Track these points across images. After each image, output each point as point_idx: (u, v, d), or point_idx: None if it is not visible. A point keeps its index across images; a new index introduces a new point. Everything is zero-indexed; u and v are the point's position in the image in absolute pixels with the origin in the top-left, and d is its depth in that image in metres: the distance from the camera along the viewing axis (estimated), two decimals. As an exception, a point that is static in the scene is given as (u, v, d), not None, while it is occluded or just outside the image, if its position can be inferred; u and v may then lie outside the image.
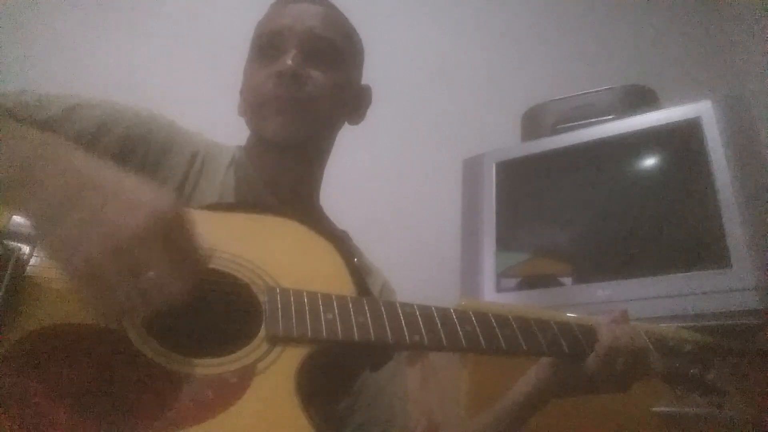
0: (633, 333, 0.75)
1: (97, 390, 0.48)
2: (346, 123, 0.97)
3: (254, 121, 0.87)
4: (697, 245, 1.27)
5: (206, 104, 1.62)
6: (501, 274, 1.45)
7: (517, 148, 1.63)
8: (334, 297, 0.62)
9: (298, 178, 0.91)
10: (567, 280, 1.41)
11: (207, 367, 0.53)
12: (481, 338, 0.65)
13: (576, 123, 1.57)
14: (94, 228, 0.47)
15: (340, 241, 0.71)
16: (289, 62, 0.82)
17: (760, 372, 1.08)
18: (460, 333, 0.65)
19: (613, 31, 2.28)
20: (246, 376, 0.53)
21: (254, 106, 0.86)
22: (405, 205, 1.99)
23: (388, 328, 0.61)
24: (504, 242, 1.49)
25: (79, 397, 0.47)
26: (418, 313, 0.64)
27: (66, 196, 0.49)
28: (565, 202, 1.51)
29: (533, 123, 1.70)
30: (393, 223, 1.94)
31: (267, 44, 0.88)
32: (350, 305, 0.62)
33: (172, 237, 0.49)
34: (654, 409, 1.09)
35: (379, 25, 2.14)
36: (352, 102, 0.95)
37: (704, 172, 1.27)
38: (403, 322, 0.62)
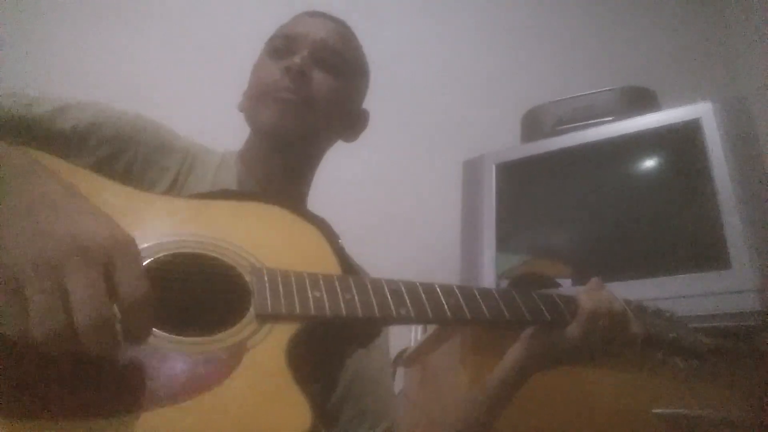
0: (611, 297, 0.79)
1: (90, 370, 0.48)
2: (339, 141, 1.00)
3: (253, 109, 0.89)
4: (696, 247, 1.27)
5: (204, 107, 1.62)
6: (501, 276, 1.45)
7: (517, 149, 1.63)
8: (320, 275, 0.63)
9: (290, 181, 0.93)
10: (566, 282, 1.41)
11: (197, 345, 0.54)
12: (465, 309, 0.68)
13: (576, 124, 1.57)
14: (33, 239, 0.46)
15: (323, 224, 0.73)
16: (298, 60, 0.86)
17: (759, 373, 1.09)
18: (445, 305, 0.67)
19: (613, 33, 2.28)
20: (237, 352, 0.54)
21: (256, 95, 0.89)
22: (405, 207, 2.00)
23: (374, 303, 0.63)
24: (504, 243, 1.49)
25: (73, 377, 0.48)
26: (403, 288, 0.66)
27: (18, 207, 0.48)
28: (565, 203, 1.51)
29: (533, 124, 1.70)
30: (393, 225, 1.95)
31: (280, 44, 0.91)
32: (336, 283, 0.63)
33: (113, 271, 0.47)
34: (655, 411, 1.09)
35: (380, 26, 2.15)
36: (349, 117, 0.98)
37: (704, 173, 1.27)
38: (389, 297, 0.64)
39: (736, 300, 1.13)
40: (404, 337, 1.65)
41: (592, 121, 1.55)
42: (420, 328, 1.63)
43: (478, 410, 0.82)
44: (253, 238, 0.67)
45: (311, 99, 0.87)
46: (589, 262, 1.42)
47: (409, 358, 1.60)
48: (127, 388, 0.48)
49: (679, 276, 1.21)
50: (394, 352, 1.56)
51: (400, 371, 1.63)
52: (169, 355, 0.52)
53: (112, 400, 0.47)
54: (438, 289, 0.68)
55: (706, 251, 1.23)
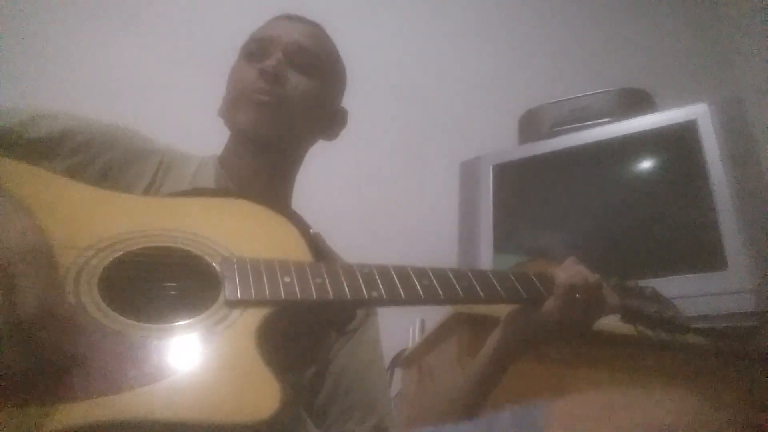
0: (586, 271, 0.79)
1: (59, 356, 0.49)
2: (326, 140, 1.01)
3: (231, 113, 0.91)
4: (693, 247, 1.27)
5: (193, 111, 1.62)
6: (498, 277, 1.45)
7: (514, 150, 1.63)
8: (291, 262, 0.64)
9: (271, 183, 0.94)
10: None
11: (166, 331, 0.55)
12: (439, 290, 0.68)
13: (573, 126, 1.58)
14: None
15: (294, 215, 0.73)
16: (273, 62, 0.87)
17: (756, 372, 1.09)
18: (418, 287, 0.67)
19: (610, 34, 2.29)
20: (205, 336, 0.55)
21: (233, 99, 0.90)
22: (402, 208, 2.00)
23: (346, 287, 0.63)
24: (501, 244, 1.49)
25: (41, 364, 0.48)
26: (375, 272, 0.67)
27: None
28: (562, 204, 1.51)
29: (530, 125, 1.70)
30: (390, 226, 1.95)
31: (255, 48, 0.93)
32: (307, 269, 0.64)
33: (16, 286, 0.47)
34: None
35: (378, 27, 2.15)
36: (327, 117, 0.99)
37: (700, 174, 1.28)
38: (360, 281, 0.65)
39: (733, 300, 1.14)
40: (402, 338, 1.65)
41: (589, 123, 1.55)
42: (418, 329, 1.63)
43: (465, 396, 0.82)
44: (224, 230, 0.68)
45: (287, 100, 0.88)
46: (586, 262, 1.42)
47: (407, 360, 1.60)
48: (96, 374, 0.49)
49: (675, 277, 1.22)
50: (392, 353, 1.56)
51: (398, 372, 1.63)
52: (139, 340, 0.53)
53: (81, 385, 0.48)
54: (411, 272, 0.68)
55: (702, 252, 1.24)
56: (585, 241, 1.46)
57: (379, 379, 0.93)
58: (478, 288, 0.71)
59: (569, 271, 0.78)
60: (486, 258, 1.48)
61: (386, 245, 1.85)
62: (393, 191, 2.02)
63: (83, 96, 1.67)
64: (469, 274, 0.72)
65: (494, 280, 0.73)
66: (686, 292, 1.18)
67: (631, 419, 0.43)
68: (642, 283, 1.25)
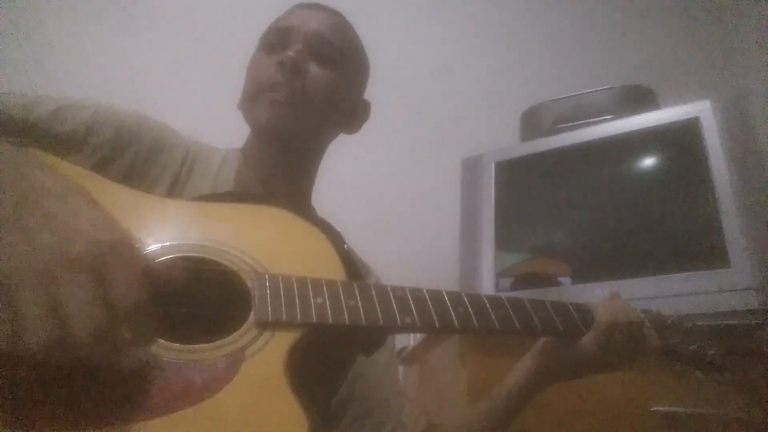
0: (628, 308, 0.76)
1: (82, 378, 0.47)
2: (341, 134, 0.98)
3: (250, 108, 0.88)
4: (695, 245, 1.27)
5: (205, 106, 1.62)
6: (500, 274, 1.45)
7: (516, 148, 1.63)
8: (323, 281, 0.62)
9: (292, 177, 0.92)
10: (566, 280, 1.41)
11: (195, 353, 0.53)
12: (474, 319, 0.65)
13: (575, 123, 1.57)
14: (22, 247, 0.43)
15: (329, 227, 0.71)
16: (292, 54, 0.84)
17: (758, 370, 1.09)
18: (453, 314, 0.64)
19: (612, 31, 2.28)
20: (235, 361, 0.53)
21: (252, 92, 0.87)
22: (404, 206, 2.00)
23: (379, 311, 0.61)
24: (503, 242, 1.49)
25: (64, 386, 0.47)
26: (409, 295, 0.64)
27: (5, 207, 0.46)
28: (564, 201, 1.51)
29: (532, 123, 1.70)
30: (392, 224, 1.95)
31: (274, 38, 0.90)
32: (340, 289, 0.61)
33: (108, 278, 0.45)
34: (653, 409, 1.09)
35: (380, 25, 2.15)
36: (348, 110, 0.96)
37: (703, 172, 1.27)
38: (394, 305, 0.62)
39: (735, 298, 1.13)
40: (404, 335, 1.65)
41: (591, 120, 1.55)
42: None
43: (488, 423, 0.80)
44: (258, 242, 0.65)
45: (307, 93, 0.85)
46: (588, 260, 1.42)
47: (409, 356, 1.60)
48: (121, 398, 0.48)
49: (678, 274, 1.22)
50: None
51: (400, 369, 1.63)
52: (166, 363, 0.51)
53: (105, 410, 0.46)
54: (446, 297, 0.65)
55: (705, 250, 1.23)
56: (587, 238, 1.46)
57: (394, 384, 0.92)
58: (514, 318, 0.68)
59: (610, 308, 0.75)
60: (488, 255, 1.48)
61: (388, 242, 1.85)
62: (395, 189, 2.02)
63: (92, 93, 1.66)
64: (505, 301, 0.69)
65: (531, 310, 0.70)
66: (689, 289, 1.18)
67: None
68: (643, 279, 1.25)
